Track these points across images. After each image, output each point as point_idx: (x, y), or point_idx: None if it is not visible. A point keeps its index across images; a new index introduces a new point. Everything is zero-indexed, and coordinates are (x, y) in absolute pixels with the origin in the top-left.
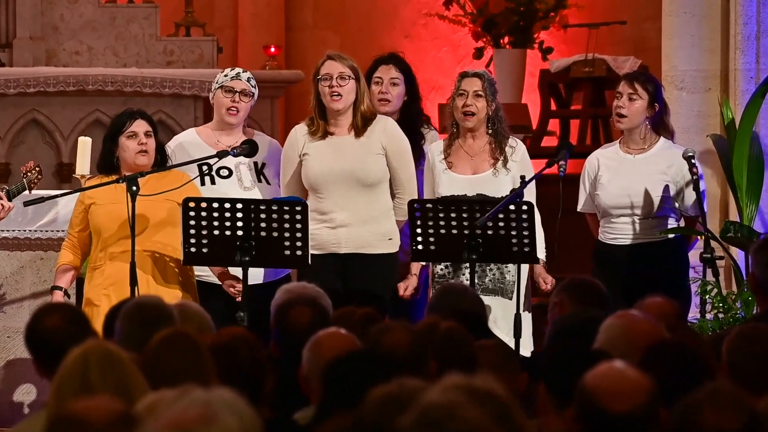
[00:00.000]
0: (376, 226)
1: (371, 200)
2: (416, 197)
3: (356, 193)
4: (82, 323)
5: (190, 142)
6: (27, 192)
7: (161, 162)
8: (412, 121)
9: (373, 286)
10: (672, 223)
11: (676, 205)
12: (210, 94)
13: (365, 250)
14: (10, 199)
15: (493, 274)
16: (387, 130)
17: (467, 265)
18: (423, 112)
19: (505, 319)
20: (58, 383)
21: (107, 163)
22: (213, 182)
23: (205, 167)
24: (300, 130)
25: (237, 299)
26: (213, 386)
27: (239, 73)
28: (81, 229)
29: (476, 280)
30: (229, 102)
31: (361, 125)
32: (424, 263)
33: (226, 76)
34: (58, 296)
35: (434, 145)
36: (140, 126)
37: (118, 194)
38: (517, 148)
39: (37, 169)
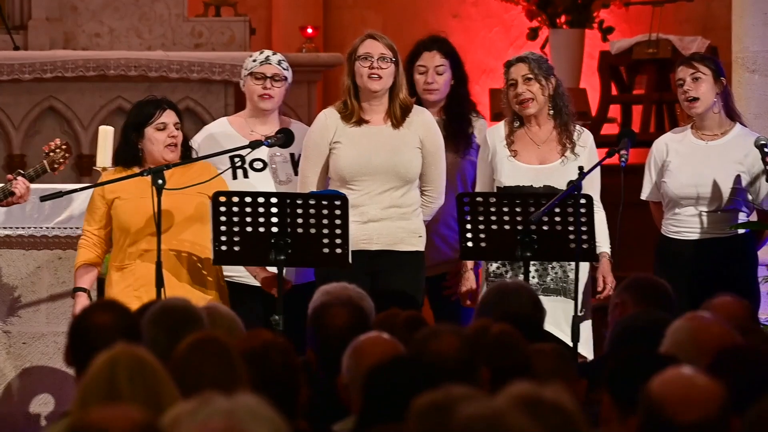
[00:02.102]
0: (407, 222)
1: (404, 195)
2: (444, 196)
3: (392, 187)
4: (133, 331)
5: (221, 133)
6: (51, 174)
7: (185, 155)
8: (460, 106)
9: (404, 285)
10: (743, 217)
11: (750, 197)
12: (240, 82)
13: (396, 247)
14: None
15: (556, 273)
16: (425, 123)
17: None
18: (470, 98)
19: (568, 321)
20: (82, 390)
21: (130, 155)
22: (246, 175)
23: (237, 159)
24: (330, 115)
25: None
26: (241, 394)
27: (268, 56)
28: (102, 225)
29: (537, 280)
30: (260, 89)
31: (399, 115)
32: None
33: (254, 61)
34: (83, 299)
35: (494, 129)
36: (170, 117)
37: (145, 188)
38: (584, 134)
39: (63, 147)
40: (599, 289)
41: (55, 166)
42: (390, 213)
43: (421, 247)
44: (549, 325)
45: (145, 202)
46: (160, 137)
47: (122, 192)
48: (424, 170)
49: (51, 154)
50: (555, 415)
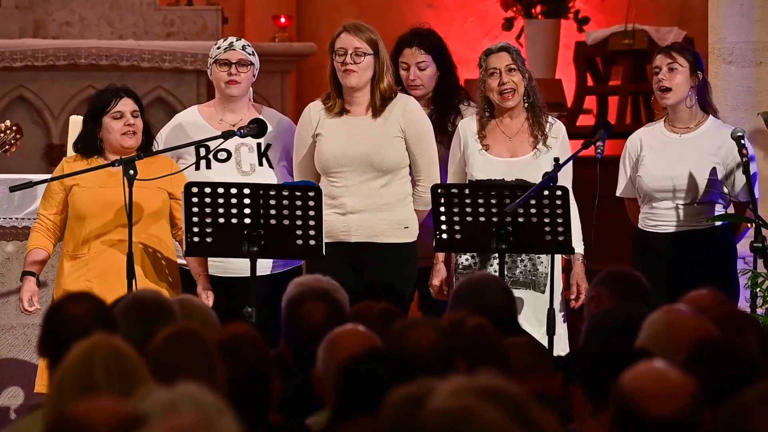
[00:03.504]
0: (389, 213)
1: (386, 186)
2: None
3: (371, 178)
4: (108, 321)
5: (190, 122)
6: (3, 155)
7: (147, 143)
8: (445, 96)
9: (388, 279)
10: (719, 209)
11: (725, 190)
12: (208, 71)
13: (377, 239)
14: None
15: (525, 266)
16: (407, 112)
17: (496, 255)
18: (459, 85)
19: (536, 314)
20: (59, 380)
21: (89, 144)
22: (209, 166)
23: (203, 150)
24: (314, 108)
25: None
26: (220, 387)
27: (232, 42)
28: (58, 211)
29: (506, 272)
30: (226, 75)
31: (379, 104)
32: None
33: (218, 48)
34: (31, 283)
35: (466, 122)
36: (126, 105)
37: (105, 177)
38: (555, 126)
39: (14, 128)
40: (572, 296)
41: (7, 147)
42: (370, 204)
43: (408, 239)
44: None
45: (103, 192)
46: (116, 126)
47: (81, 179)
48: (411, 159)
49: (1, 135)
50: (502, 402)
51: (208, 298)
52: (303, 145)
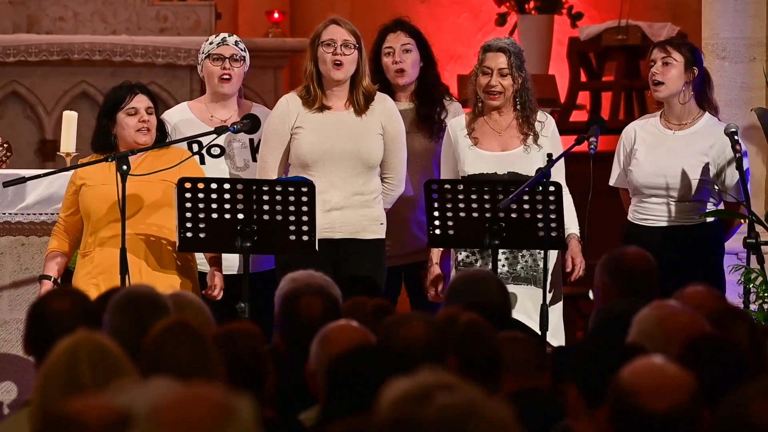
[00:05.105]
0: (369, 210)
1: (366, 182)
2: (404, 184)
3: (355, 174)
4: (92, 316)
5: (182, 119)
6: None
7: (161, 139)
8: (430, 89)
9: (367, 274)
10: (709, 207)
11: (716, 187)
12: (198, 67)
13: (359, 235)
14: None
15: (526, 261)
16: (387, 110)
17: None
18: (441, 81)
19: (537, 310)
20: (44, 378)
21: (104, 142)
22: (202, 162)
23: (195, 145)
24: (292, 100)
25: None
26: (219, 383)
27: (225, 38)
28: (71, 212)
29: (507, 268)
30: (219, 70)
31: (363, 103)
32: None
33: (211, 43)
34: (48, 286)
35: (455, 120)
36: (141, 101)
37: (110, 174)
38: (546, 122)
39: (4, 146)
40: (568, 270)
41: None
42: (353, 201)
43: (383, 235)
44: (519, 314)
45: (108, 189)
46: (131, 122)
47: (89, 178)
48: (386, 157)
49: None
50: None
51: (215, 277)
52: (276, 138)
